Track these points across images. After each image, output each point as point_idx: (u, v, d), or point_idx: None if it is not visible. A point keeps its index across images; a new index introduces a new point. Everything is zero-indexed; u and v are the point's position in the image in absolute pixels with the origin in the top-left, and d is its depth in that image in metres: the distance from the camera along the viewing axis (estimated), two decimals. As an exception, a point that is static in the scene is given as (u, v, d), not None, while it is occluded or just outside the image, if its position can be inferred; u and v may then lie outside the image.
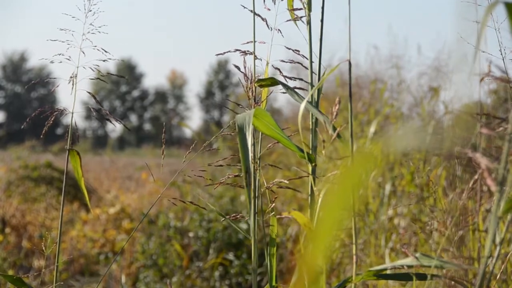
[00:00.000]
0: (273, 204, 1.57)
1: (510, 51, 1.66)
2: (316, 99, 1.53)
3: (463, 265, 1.43)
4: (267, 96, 1.61)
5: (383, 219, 3.86)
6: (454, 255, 1.69)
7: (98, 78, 1.71)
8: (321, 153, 1.46)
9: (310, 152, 1.50)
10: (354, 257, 1.38)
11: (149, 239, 5.91)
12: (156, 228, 6.04)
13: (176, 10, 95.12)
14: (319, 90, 1.54)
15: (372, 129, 4.61)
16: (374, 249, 3.75)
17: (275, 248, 1.57)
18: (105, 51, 1.66)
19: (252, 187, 1.56)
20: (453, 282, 1.57)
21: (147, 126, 60.71)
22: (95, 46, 1.66)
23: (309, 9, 1.57)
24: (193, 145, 1.66)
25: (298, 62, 1.64)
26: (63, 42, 1.65)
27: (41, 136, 1.66)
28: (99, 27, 1.67)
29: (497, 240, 1.60)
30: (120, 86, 59.09)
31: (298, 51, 1.60)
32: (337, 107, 1.32)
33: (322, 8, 1.55)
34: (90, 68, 1.67)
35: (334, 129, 1.35)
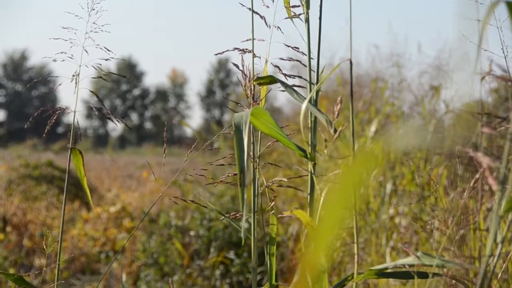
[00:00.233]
0: (273, 203, 1.57)
1: (512, 50, 1.65)
2: (314, 98, 1.53)
3: (464, 264, 1.43)
4: (265, 94, 1.61)
5: (384, 218, 3.86)
6: (455, 254, 1.69)
7: (100, 77, 1.71)
8: (322, 152, 1.46)
9: (310, 151, 1.50)
10: (356, 256, 1.38)
11: (150, 238, 5.91)
12: (157, 227, 6.05)
13: (176, 8, 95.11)
14: (318, 89, 1.54)
15: (372, 128, 4.61)
16: (375, 248, 3.75)
17: (275, 247, 1.57)
18: (108, 50, 1.66)
19: (252, 186, 1.56)
20: (454, 281, 1.58)
21: (148, 125, 60.74)
22: (98, 45, 1.66)
23: (307, 7, 1.57)
24: (195, 144, 1.66)
25: (297, 60, 1.64)
26: (66, 40, 1.65)
27: (44, 135, 1.67)
28: (102, 25, 1.67)
29: (498, 239, 1.60)
30: (121, 84, 59.09)
31: (297, 48, 1.60)
32: (338, 107, 1.32)
33: (320, 5, 1.55)
34: (93, 66, 1.67)
35: (335, 128, 1.35)
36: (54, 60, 1.66)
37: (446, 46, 5.68)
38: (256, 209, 1.55)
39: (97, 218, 7.86)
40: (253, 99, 1.57)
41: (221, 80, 59.70)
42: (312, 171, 1.49)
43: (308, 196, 1.50)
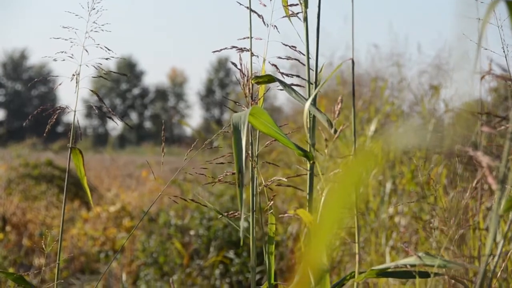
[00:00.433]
0: (272, 202, 1.56)
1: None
2: (313, 97, 1.53)
3: (466, 264, 1.43)
4: (264, 93, 1.61)
5: (384, 217, 3.86)
6: (455, 254, 1.69)
7: (100, 76, 1.71)
8: (323, 152, 1.46)
9: (309, 150, 1.50)
10: (357, 255, 1.38)
11: (149, 237, 5.91)
12: (157, 226, 6.05)
13: (176, 8, 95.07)
14: (316, 88, 1.54)
15: (372, 127, 4.61)
16: (374, 247, 3.75)
17: (273, 246, 1.57)
18: (108, 49, 1.66)
19: (250, 185, 1.56)
20: (453, 281, 1.58)
21: (148, 124, 60.73)
22: (98, 44, 1.66)
23: (306, 6, 1.57)
24: (194, 143, 1.66)
25: (296, 59, 1.63)
26: (66, 40, 1.65)
27: (43, 135, 1.66)
28: (102, 25, 1.67)
29: (498, 238, 1.60)
30: (121, 84, 59.09)
31: (295, 47, 1.60)
32: (339, 106, 1.32)
33: (319, 4, 1.55)
34: (93, 66, 1.67)
35: (335, 129, 1.35)
36: (55, 60, 1.66)
37: (446, 46, 5.68)
38: (255, 209, 1.55)
39: (96, 217, 7.86)
40: (251, 98, 1.57)
41: (220, 80, 59.69)
42: (312, 171, 1.49)
43: (308, 196, 1.50)
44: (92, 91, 1.71)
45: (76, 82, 1.66)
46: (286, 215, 1.41)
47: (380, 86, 5.96)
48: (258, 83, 1.55)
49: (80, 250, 6.69)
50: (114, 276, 5.79)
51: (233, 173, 1.61)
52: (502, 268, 1.76)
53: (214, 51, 1.61)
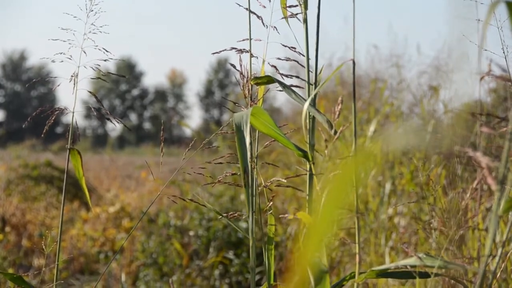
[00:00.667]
0: (271, 203, 1.56)
1: None
2: (313, 98, 1.53)
3: (466, 265, 1.43)
4: (263, 94, 1.61)
5: (383, 218, 3.86)
6: (455, 254, 1.69)
7: (98, 78, 1.71)
8: (322, 152, 1.46)
9: (308, 151, 1.50)
10: (357, 256, 1.38)
11: (149, 238, 5.91)
12: (156, 227, 6.05)
13: (176, 8, 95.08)
14: (316, 89, 1.54)
15: (372, 128, 4.61)
16: (374, 248, 3.75)
17: (273, 247, 1.57)
18: (106, 51, 1.66)
19: (250, 186, 1.56)
20: (453, 281, 1.58)
21: (147, 125, 60.73)
22: (96, 46, 1.66)
23: (305, 7, 1.56)
24: (192, 142, 1.66)
25: (295, 60, 1.63)
26: (64, 41, 1.65)
27: (42, 136, 1.66)
28: (101, 26, 1.68)
29: (497, 239, 1.60)
30: (120, 85, 59.08)
31: (294, 48, 1.60)
32: (339, 107, 1.32)
33: (318, 5, 1.55)
34: (91, 67, 1.67)
35: (335, 130, 1.35)
36: (53, 61, 1.66)
37: (445, 47, 5.68)
38: (254, 209, 1.55)
39: (96, 218, 7.85)
40: (251, 99, 1.57)
41: (220, 81, 59.69)
42: (311, 171, 1.49)
43: (307, 196, 1.50)
44: (90, 92, 1.71)
45: (74, 84, 1.66)
46: (285, 216, 1.41)
47: (379, 87, 5.96)
48: (257, 84, 1.55)
49: (80, 250, 6.69)
50: (113, 277, 5.79)
51: (233, 174, 1.61)
52: (501, 269, 1.76)
53: (213, 53, 1.61)
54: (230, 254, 5.31)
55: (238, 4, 1.59)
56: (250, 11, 1.59)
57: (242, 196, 6.09)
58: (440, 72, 5.46)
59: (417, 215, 3.51)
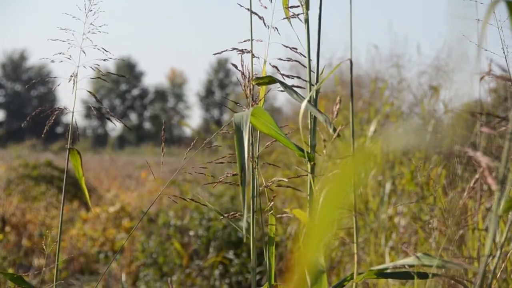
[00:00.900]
0: (272, 203, 1.56)
1: None
2: (314, 98, 1.53)
3: (464, 264, 1.43)
4: (265, 95, 1.61)
5: (383, 217, 3.86)
6: (455, 254, 1.69)
7: (98, 77, 1.71)
8: (321, 152, 1.46)
9: (309, 151, 1.50)
10: (355, 256, 1.38)
11: (149, 238, 5.91)
12: (156, 227, 6.05)
13: (176, 8, 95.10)
14: (318, 89, 1.54)
15: (372, 128, 4.61)
16: (374, 248, 3.75)
17: (274, 247, 1.57)
18: (106, 51, 1.66)
19: (250, 185, 1.56)
20: (453, 281, 1.57)
21: (147, 125, 60.74)
22: (96, 46, 1.66)
23: (307, 7, 1.56)
24: (193, 143, 1.66)
25: (296, 61, 1.63)
26: (63, 41, 1.65)
27: (42, 136, 1.66)
28: (100, 26, 1.67)
29: (497, 239, 1.60)
30: (120, 84, 59.09)
31: (296, 49, 1.59)
32: (337, 106, 1.32)
33: (320, 6, 1.55)
34: (91, 67, 1.67)
35: (334, 128, 1.35)
36: (52, 61, 1.66)
37: (445, 47, 5.68)
38: (255, 209, 1.55)
39: (96, 218, 7.86)
40: (252, 99, 1.57)
41: (220, 80, 59.71)
42: (312, 171, 1.49)
43: (308, 196, 1.50)
44: (90, 92, 1.71)
45: (74, 83, 1.66)
46: (284, 215, 1.41)
47: (380, 87, 5.96)
48: (259, 84, 1.55)
49: (80, 250, 6.69)
50: (113, 277, 5.79)
51: (234, 174, 1.61)
52: (501, 269, 1.76)
53: (215, 53, 1.61)
54: (230, 254, 5.31)
55: (240, 5, 1.59)
56: (252, 12, 1.59)
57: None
58: (440, 72, 5.46)
59: (417, 215, 3.51)
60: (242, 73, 1.56)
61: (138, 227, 6.27)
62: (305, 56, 1.56)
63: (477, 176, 1.46)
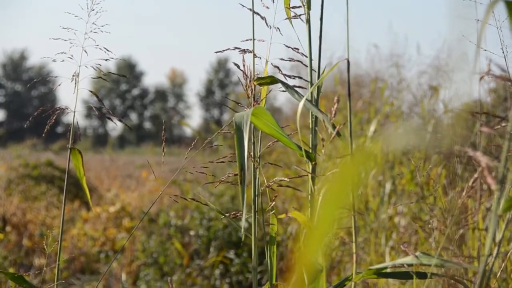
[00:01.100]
0: (273, 203, 1.57)
1: None
2: (316, 98, 1.53)
3: (463, 263, 1.43)
4: (266, 95, 1.61)
5: (383, 217, 3.86)
6: (455, 254, 1.69)
7: (99, 77, 1.72)
8: (320, 152, 1.46)
9: (310, 151, 1.51)
10: (354, 255, 1.38)
11: (149, 238, 5.91)
12: (157, 227, 6.05)
13: (176, 8, 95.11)
14: (319, 89, 1.54)
15: (372, 127, 4.61)
16: (374, 248, 3.75)
17: (275, 247, 1.57)
18: (108, 50, 1.67)
19: (252, 185, 1.56)
20: (453, 281, 1.58)
21: (147, 125, 60.72)
22: (97, 45, 1.66)
23: (309, 8, 1.57)
24: (194, 142, 1.66)
25: (298, 60, 1.64)
26: (65, 40, 1.65)
27: (43, 135, 1.67)
28: (102, 26, 1.68)
29: (497, 238, 1.60)
30: (120, 84, 59.08)
31: (297, 49, 1.60)
32: (336, 106, 1.32)
33: (322, 6, 1.55)
34: (92, 67, 1.67)
35: (334, 127, 1.35)
36: (54, 61, 1.66)
37: (445, 47, 5.69)
38: (256, 209, 1.55)
39: (96, 218, 7.86)
40: (253, 99, 1.57)
41: (220, 80, 59.69)
42: (313, 171, 1.49)
43: (309, 196, 1.50)
44: (91, 91, 1.71)
45: (75, 83, 1.67)
46: (282, 216, 1.41)
47: (380, 87, 5.96)
48: (260, 84, 1.55)
49: (80, 250, 6.70)
50: (114, 276, 5.79)
51: (235, 174, 1.61)
52: (501, 268, 1.77)
53: (216, 52, 1.61)
54: (231, 254, 5.32)
55: (242, 5, 1.59)
56: (254, 12, 1.59)
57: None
58: (440, 72, 5.46)
59: (417, 215, 3.51)
60: (244, 73, 1.57)
61: (139, 226, 6.28)
62: (306, 56, 1.57)
63: (476, 175, 1.47)
